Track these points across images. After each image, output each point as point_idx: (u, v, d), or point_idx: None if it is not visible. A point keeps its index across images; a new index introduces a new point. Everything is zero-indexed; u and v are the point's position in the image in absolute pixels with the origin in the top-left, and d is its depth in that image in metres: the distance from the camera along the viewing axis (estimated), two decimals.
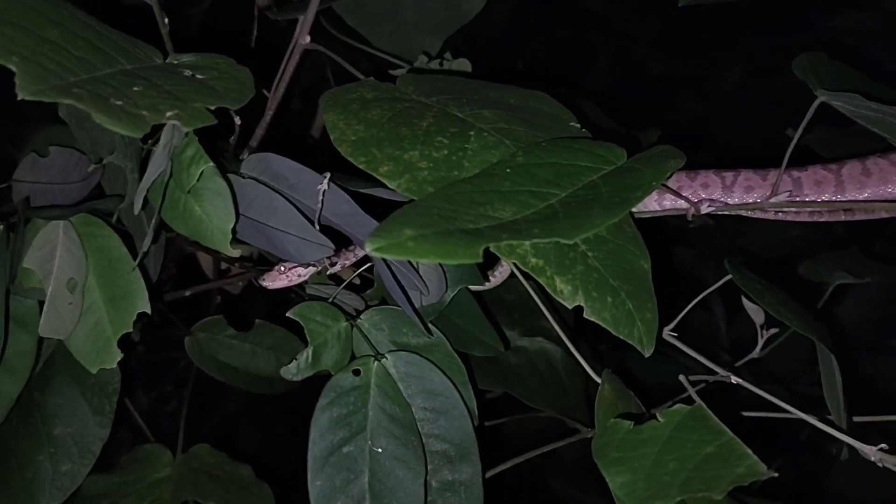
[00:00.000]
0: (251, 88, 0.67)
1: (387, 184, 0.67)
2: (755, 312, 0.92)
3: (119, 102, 0.53)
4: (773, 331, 0.94)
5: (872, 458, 0.73)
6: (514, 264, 0.65)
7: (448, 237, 0.56)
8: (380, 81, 0.82)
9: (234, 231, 0.77)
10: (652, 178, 0.64)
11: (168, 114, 0.56)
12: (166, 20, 0.77)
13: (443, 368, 0.84)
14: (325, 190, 0.78)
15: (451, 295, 0.85)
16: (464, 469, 0.83)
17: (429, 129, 0.73)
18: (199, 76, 0.65)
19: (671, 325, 0.82)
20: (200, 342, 1.10)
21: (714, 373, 0.79)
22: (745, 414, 0.89)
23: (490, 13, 2.10)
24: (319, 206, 0.79)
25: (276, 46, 1.01)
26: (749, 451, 0.57)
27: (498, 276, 0.95)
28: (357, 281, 1.00)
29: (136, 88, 0.57)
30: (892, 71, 1.50)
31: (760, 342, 0.95)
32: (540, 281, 0.65)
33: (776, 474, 0.54)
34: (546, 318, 0.88)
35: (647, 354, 0.65)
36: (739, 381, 0.79)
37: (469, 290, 0.93)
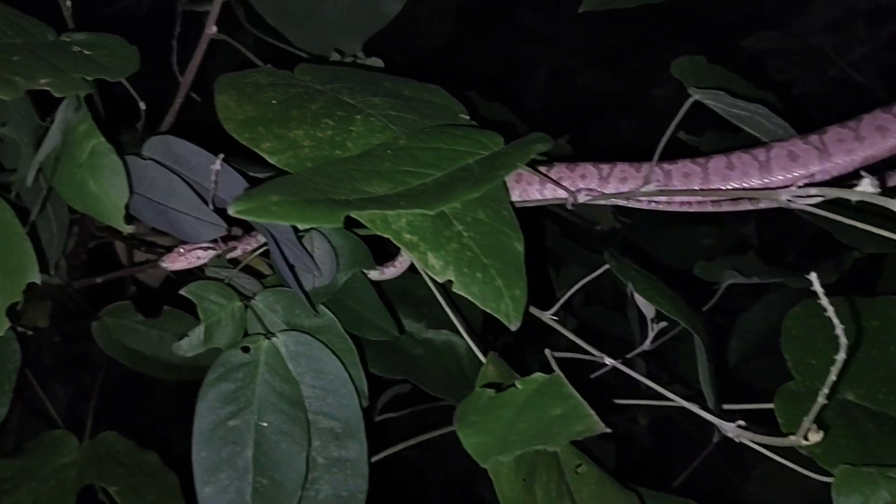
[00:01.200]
0: (136, 64, 0.70)
1: (268, 159, 0.70)
2: (646, 307, 0.96)
3: None
4: (663, 324, 0.98)
5: (731, 435, 0.77)
6: (412, 258, 0.68)
7: (312, 203, 0.59)
8: (278, 69, 0.85)
9: (128, 207, 0.79)
10: (516, 159, 0.68)
11: (42, 81, 0.58)
12: (69, 1, 0.79)
13: (334, 349, 0.87)
14: (218, 171, 0.81)
15: (344, 278, 0.88)
16: (350, 446, 0.85)
17: (317, 112, 0.76)
18: (86, 52, 0.68)
19: (552, 310, 0.86)
20: (108, 327, 1.11)
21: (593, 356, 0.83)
22: (620, 402, 0.93)
23: (430, 26, 2.15)
24: (213, 186, 0.82)
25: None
26: (592, 412, 0.60)
27: (398, 265, 0.98)
28: (265, 270, 1.02)
29: (15, 58, 0.59)
30: (802, 94, 1.57)
31: (651, 335, 0.99)
32: (412, 256, 0.68)
33: (609, 430, 0.57)
34: (451, 313, 0.91)
35: (513, 328, 0.68)
36: (614, 363, 0.83)
37: (368, 278, 0.95)
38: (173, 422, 1.51)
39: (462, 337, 1.16)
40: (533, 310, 0.87)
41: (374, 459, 0.97)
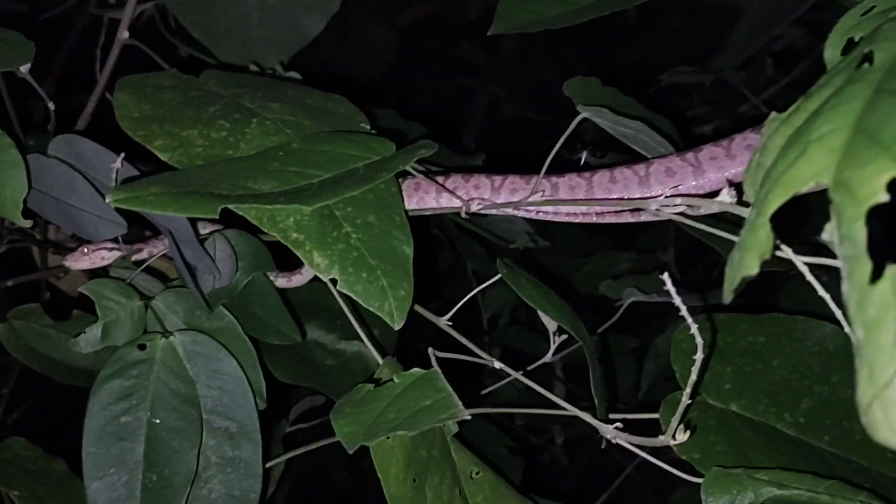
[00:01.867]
0: (28, 57, 0.71)
1: (159, 156, 0.72)
2: (548, 321, 0.99)
3: None
4: (564, 337, 1.01)
5: (609, 436, 0.81)
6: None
7: (190, 195, 0.61)
8: (184, 73, 0.87)
9: (27, 202, 0.80)
10: (399, 163, 0.71)
11: None
12: None
13: (233, 351, 0.88)
14: (119, 169, 0.82)
15: (244, 281, 0.90)
16: (245, 447, 0.86)
17: (214, 114, 0.78)
18: None
19: (447, 317, 0.89)
20: (16, 330, 1.10)
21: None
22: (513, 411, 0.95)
23: (370, 57, 2.19)
24: (114, 184, 0.83)
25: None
26: (458, 403, 0.63)
27: (304, 274, 0.99)
28: (172, 274, 1.04)
29: None
30: (717, 126, 1.64)
31: (552, 348, 1.02)
32: (298, 253, 0.71)
33: (469, 416, 0.60)
34: (355, 324, 0.93)
35: (396, 327, 0.71)
36: (503, 366, 0.86)
37: (274, 285, 0.97)
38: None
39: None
40: (426, 313, 0.89)
41: (277, 461, 0.98)
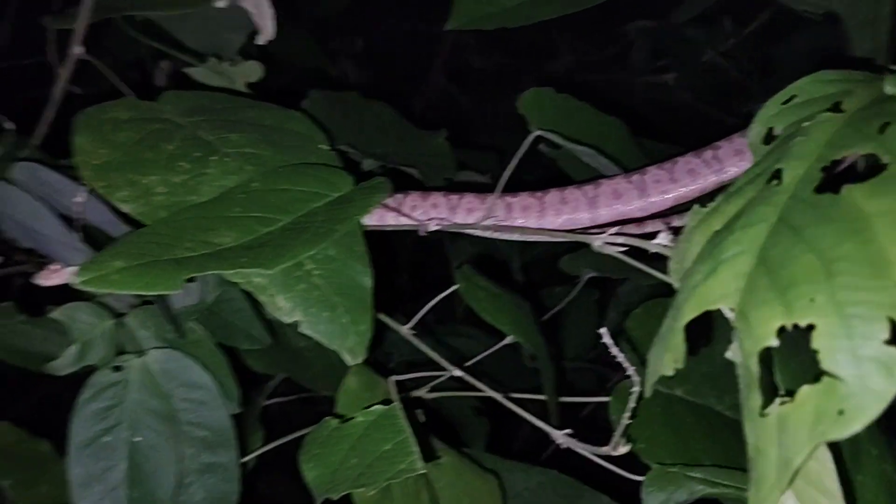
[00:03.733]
0: None
1: (121, 209, 0.74)
2: None
3: None
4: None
5: (559, 441, 0.87)
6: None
7: (152, 268, 0.64)
8: (140, 99, 0.88)
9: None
10: (356, 213, 0.74)
11: None
12: None
13: (205, 361, 0.93)
14: (83, 202, 0.84)
15: (213, 296, 0.93)
16: (221, 453, 0.92)
17: (173, 154, 0.80)
18: None
19: (410, 324, 0.93)
20: None
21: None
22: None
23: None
24: (79, 217, 0.86)
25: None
26: (416, 450, 0.68)
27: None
28: None
29: None
30: (678, 77, 1.66)
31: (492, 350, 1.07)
32: (260, 299, 0.74)
33: (424, 471, 0.66)
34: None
35: (353, 362, 0.75)
36: (463, 374, 0.92)
37: (242, 290, 1.01)
38: (63, 409, 1.55)
39: None
40: (389, 321, 0.94)
41: (251, 457, 1.04)
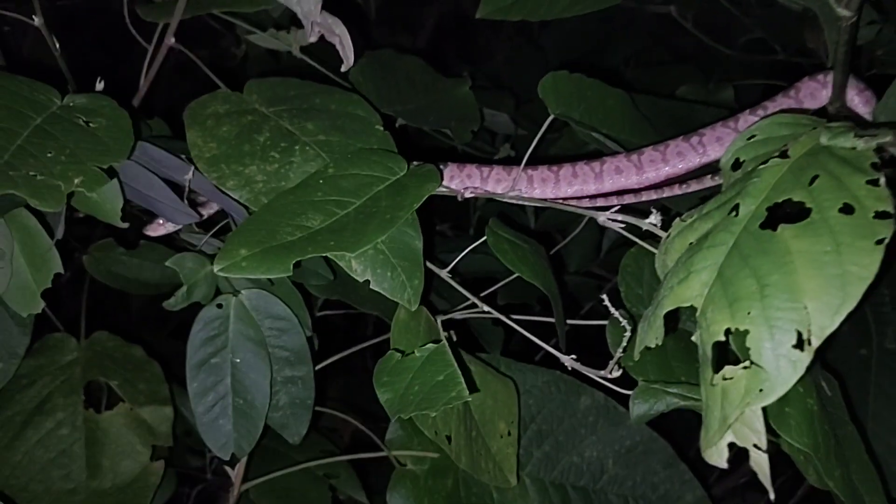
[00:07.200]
0: (131, 137, 0.92)
1: (234, 196, 0.94)
2: None
3: (41, 177, 0.78)
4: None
5: (567, 364, 1.11)
6: None
7: (268, 255, 0.85)
8: (230, 91, 1.06)
9: (126, 200, 1.02)
10: (414, 201, 0.94)
11: (76, 181, 0.81)
12: (58, 45, 0.98)
13: (285, 299, 1.16)
14: (191, 179, 1.05)
15: None
16: (300, 368, 1.17)
17: (265, 145, 0.99)
18: (91, 124, 0.89)
19: (449, 268, 1.15)
20: (98, 259, 1.37)
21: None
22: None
23: None
24: (187, 190, 1.06)
25: None
26: (462, 381, 0.92)
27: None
28: None
29: (49, 154, 0.82)
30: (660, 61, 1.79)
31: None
32: (340, 263, 0.96)
33: (469, 398, 0.90)
34: None
35: (412, 309, 0.98)
36: (498, 315, 1.15)
37: None
38: (147, 324, 1.81)
39: None
40: (432, 267, 1.16)
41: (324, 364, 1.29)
